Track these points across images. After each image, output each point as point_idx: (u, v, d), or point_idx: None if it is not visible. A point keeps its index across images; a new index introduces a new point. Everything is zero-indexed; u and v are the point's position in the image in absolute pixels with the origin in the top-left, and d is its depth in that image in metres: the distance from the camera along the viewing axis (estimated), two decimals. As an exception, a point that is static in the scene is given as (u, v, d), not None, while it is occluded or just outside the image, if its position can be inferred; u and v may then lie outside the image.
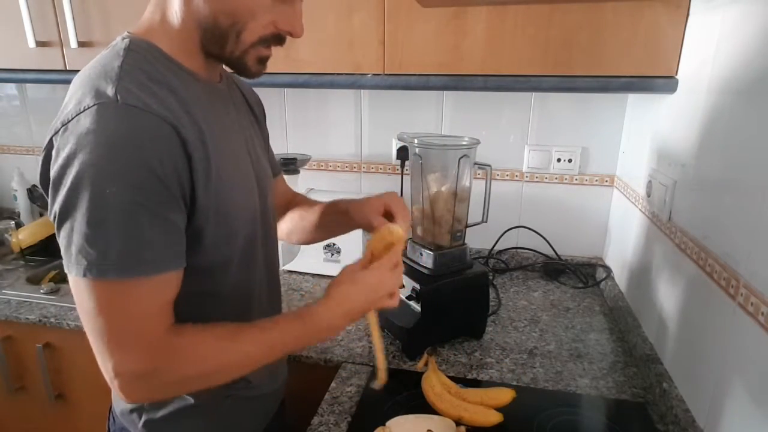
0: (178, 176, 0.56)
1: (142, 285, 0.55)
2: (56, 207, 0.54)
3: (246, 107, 0.80)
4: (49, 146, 0.55)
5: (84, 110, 0.53)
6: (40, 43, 1.27)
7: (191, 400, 0.70)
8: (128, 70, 0.56)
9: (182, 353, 0.59)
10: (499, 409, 0.82)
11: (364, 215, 0.79)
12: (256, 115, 0.83)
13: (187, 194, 0.58)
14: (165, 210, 0.56)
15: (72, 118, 0.54)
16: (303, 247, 1.41)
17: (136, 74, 0.57)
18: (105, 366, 0.57)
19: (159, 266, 0.56)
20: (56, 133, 0.54)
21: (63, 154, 0.53)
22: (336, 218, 0.87)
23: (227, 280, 0.69)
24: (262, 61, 0.66)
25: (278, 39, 0.65)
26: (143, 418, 0.71)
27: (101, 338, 0.55)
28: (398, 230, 0.72)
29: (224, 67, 0.69)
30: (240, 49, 0.62)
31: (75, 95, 0.56)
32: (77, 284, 0.54)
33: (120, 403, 0.73)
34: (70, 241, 0.53)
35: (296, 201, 0.96)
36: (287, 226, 0.94)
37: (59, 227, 0.54)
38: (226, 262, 0.68)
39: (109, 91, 0.54)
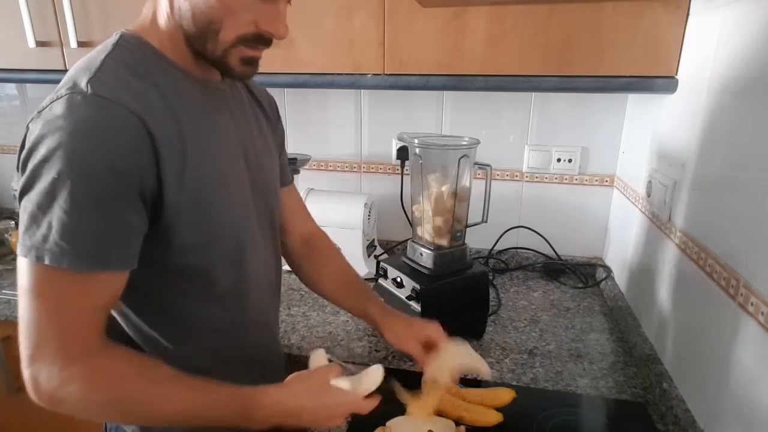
0: (140, 171, 0.55)
1: (76, 278, 0.54)
2: (19, 186, 0.55)
3: (255, 109, 0.79)
4: (25, 130, 0.56)
5: (57, 99, 0.54)
6: (40, 43, 1.27)
7: None
8: (110, 63, 0.57)
9: (99, 367, 0.57)
10: (499, 409, 0.82)
11: (399, 338, 0.79)
12: (270, 118, 0.82)
13: (150, 191, 0.57)
14: (117, 205, 0.55)
15: (45, 106, 0.55)
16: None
17: (117, 67, 0.57)
18: (22, 352, 0.58)
19: (96, 262, 0.55)
20: (32, 119, 0.55)
21: (31, 138, 0.54)
22: (356, 308, 0.87)
23: (215, 285, 0.68)
24: (248, 62, 0.63)
25: (262, 39, 0.62)
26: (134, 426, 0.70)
27: (26, 321, 0.56)
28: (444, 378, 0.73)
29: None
30: (220, 48, 0.60)
31: (59, 87, 0.57)
32: (19, 263, 0.55)
33: None
34: (21, 220, 0.55)
35: (316, 246, 0.94)
36: (302, 272, 0.94)
37: (21, 206, 0.55)
38: (210, 266, 0.66)
39: (83, 82, 0.54)
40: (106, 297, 0.58)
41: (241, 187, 0.70)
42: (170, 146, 0.58)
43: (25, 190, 0.54)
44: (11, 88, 1.76)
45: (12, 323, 1.21)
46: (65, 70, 1.27)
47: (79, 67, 0.58)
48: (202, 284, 0.67)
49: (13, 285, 1.36)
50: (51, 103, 0.55)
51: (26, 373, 0.57)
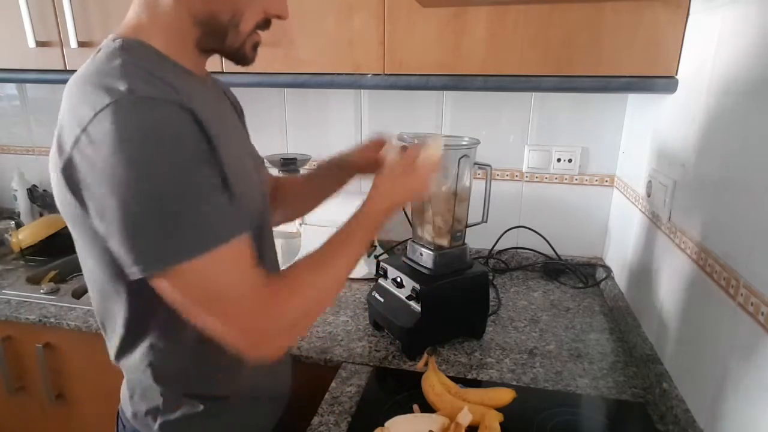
0: (209, 155, 0.57)
1: (224, 253, 0.55)
2: (108, 214, 0.52)
3: (229, 103, 0.80)
4: (69, 159, 0.53)
5: (101, 110, 0.52)
6: (40, 43, 1.27)
7: (205, 405, 0.70)
8: (130, 67, 0.56)
9: (284, 296, 0.61)
10: (499, 409, 0.82)
11: (363, 155, 0.88)
12: (238, 112, 0.84)
13: (220, 171, 0.59)
14: (214, 186, 0.57)
15: (90, 121, 0.52)
16: (302, 246, 1.41)
17: (138, 71, 0.56)
18: (228, 341, 0.58)
19: (231, 231, 0.57)
20: (77, 141, 0.52)
21: (97, 162, 0.51)
22: (330, 173, 0.93)
23: None
24: (256, 47, 0.68)
25: (267, 24, 0.67)
26: (159, 420, 0.70)
27: (211, 316, 0.57)
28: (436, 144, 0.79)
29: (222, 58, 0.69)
30: (240, 39, 0.64)
31: (83, 99, 0.54)
32: (171, 278, 0.54)
33: (130, 407, 0.72)
34: (139, 242, 0.53)
35: (280, 181, 0.98)
36: (282, 206, 0.95)
37: (117, 232, 0.53)
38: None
39: (121, 86, 0.53)
40: (250, 252, 0.60)
41: (251, 174, 0.72)
42: (211, 134, 0.59)
43: (123, 215, 0.52)
44: (11, 88, 1.76)
45: (12, 323, 1.21)
46: (65, 70, 1.29)
47: (95, 77, 0.55)
48: None
49: (12, 285, 1.36)
50: (95, 115, 0.52)
51: (246, 351, 0.59)
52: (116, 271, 0.58)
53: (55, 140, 0.56)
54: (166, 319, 0.64)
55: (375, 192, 0.73)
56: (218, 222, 0.56)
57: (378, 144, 0.89)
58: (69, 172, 0.54)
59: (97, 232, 0.56)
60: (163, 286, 0.55)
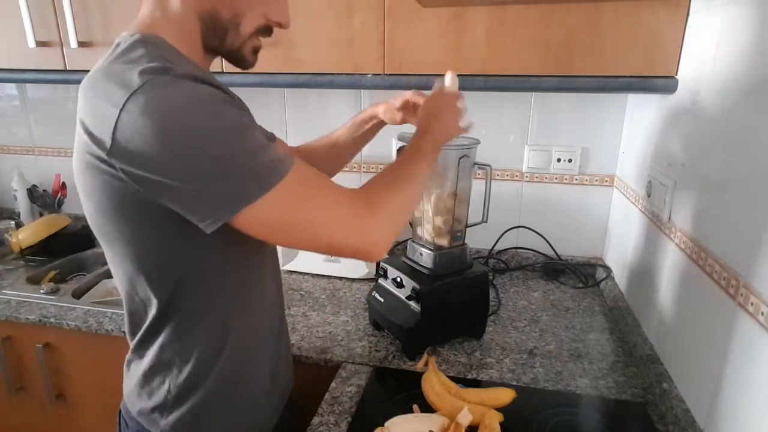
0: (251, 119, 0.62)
1: (299, 174, 0.59)
2: (172, 178, 0.53)
3: None
4: (114, 141, 0.53)
5: (139, 88, 0.52)
6: (40, 43, 1.27)
7: (209, 401, 0.71)
8: (154, 54, 0.57)
9: (376, 195, 0.65)
10: (499, 409, 0.82)
11: (389, 109, 0.97)
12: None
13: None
14: (266, 139, 0.60)
15: (127, 100, 0.51)
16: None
17: (159, 61, 0.56)
18: (344, 247, 0.62)
19: (291, 156, 0.60)
20: (118, 122, 0.52)
21: (147, 135, 0.51)
22: (354, 130, 1.01)
23: (254, 274, 0.73)
24: (256, 52, 0.69)
25: (268, 30, 0.68)
26: (165, 417, 0.70)
27: (316, 232, 0.60)
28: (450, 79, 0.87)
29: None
30: (239, 41, 0.66)
31: (113, 86, 0.53)
32: (275, 198, 0.56)
33: (136, 404, 0.72)
34: (219, 188, 0.54)
35: (302, 149, 1.02)
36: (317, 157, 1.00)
37: (188, 189, 0.54)
38: (258, 251, 0.72)
39: (153, 66, 0.54)
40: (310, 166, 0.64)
41: None
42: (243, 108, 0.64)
43: (201, 170, 0.53)
44: (11, 88, 1.76)
45: (12, 323, 1.21)
46: (65, 70, 1.29)
47: (120, 67, 0.55)
48: (250, 257, 0.72)
49: (12, 285, 1.36)
50: (133, 93, 0.52)
51: (355, 241, 0.63)
52: (154, 256, 0.62)
53: (83, 134, 0.56)
54: (181, 316, 0.66)
55: (426, 119, 0.80)
56: (282, 159, 0.58)
57: (400, 103, 0.95)
58: (118, 153, 0.53)
59: (150, 213, 0.57)
60: (251, 220, 0.57)
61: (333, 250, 0.63)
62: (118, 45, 0.61)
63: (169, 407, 0.70)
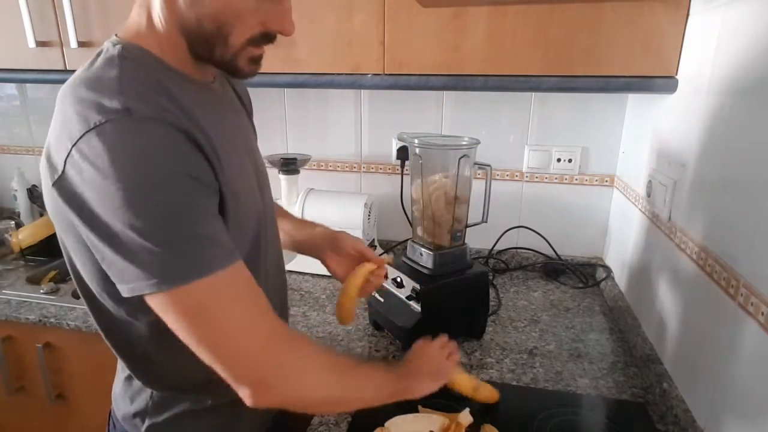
0: (206, 176, 0.56)
1: (232, 272, 0.55)
2: (98, 232, 0.51)
3: (240, 105, 0.79)
4: (63, 173, 0.52)
5: (94, 127, 0.51)
6: (40, 43, 1.27)
7: (193, 406, 0.70)
8: (127, 81, 0.55)
9: (292, 343, 0.61)
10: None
11: (337, 260, 0.91)
12: (249, 113, 0.83)
13: (216, 189, 0.58)
14: (212, 207, 0.56)
15: (81, 137, 0.51)
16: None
17: (135, 85, 0.55)
18: (228, 373, 0.56)
19: (229, 258, 0.55)
20: (69, 156, 0.51)
21: (88, 180, 0.50)
22: (302, 240, 0.94)
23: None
24: (255, 60, 0.64)
25: (268, 38, 0.63)
26: (147, 423, 0.70)
27: (212, 342, 0.54)
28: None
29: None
30: (230, 52, 0.60)
31: (76, 111, 0.53)
32: (172, 299, 0.52)
33: (121, 408, 0.73)
34: (132, 262, 0.51)
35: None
36: None
37: (108, 251, 0.52)
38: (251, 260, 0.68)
39: (116, 104, 0.52)
40: (253, 280, 0.59)
41: (252, 181, 0.71)
42: (208, 149, 0.58)
43: (114, 233, 0.51)
44: (11, 88, 1.76)
45: (12, 323, 1.21)
46: (65, 70, 1.29)
47: (91, 87, 0.54)
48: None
49: (12, 285, 1.36)
50: (87, 132, 0.51)
51: (245, 389, 0.56)
52: (105, 279, 0.57)
53: (45, 148, 0.55)
54: (152, 326, 0.63)
55: (406, 367, 0.76)
56: (214, 248, 0.54)
57: (357, 258, 0.89)
58: (62, 185, 0.53)
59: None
60: (156, 306, 0.54)
61: (217, 365, 0.56)
62: (100, 53, 0.59)
63: (150, 414, 0.70)
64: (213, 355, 0.55)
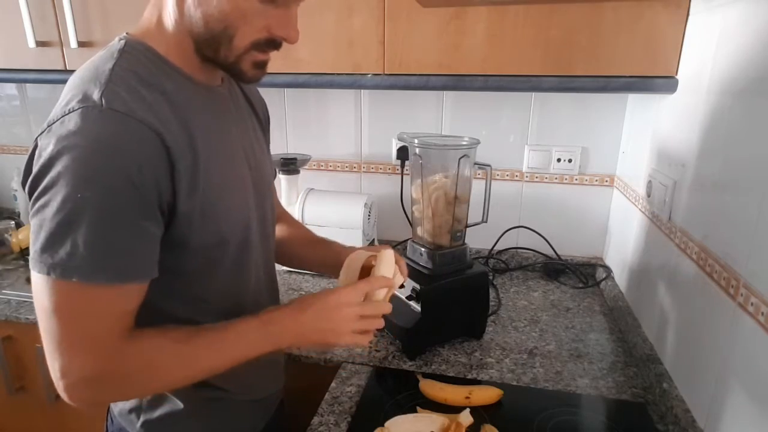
0: (157, 184, 0.56)
1: (103, 292, 0.55)
2: (32, 204, 0.54)
3: (249, 111, 0.79)
4: (34, 145, 0.55)
5: (69, 113, 0.54)
6: (40, 43, 1.27)
7: (187, 404, 0.70)
8: (119, 72, 0.56)
9: (132, 360, 0.58)
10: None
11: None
12: (261, 120, 0.83)
13: (166, 201, 0.58)
14: (139, 218, 0.55)
15: (57, 120, 0.54)
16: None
17: (127, 77, 0.56)
18: (52, 366, 0.56)
19: (125, 275, 0.55)
20: (41, 133, 0.55)
21: (44, 155, 0.53)
22: (321, 260, 0.88)
23: (216, 285, 0.68)
24: (259, 65, 0.64)
25: (273, 44, 0.63)
26: (141, 419, 0.71)
27: (53, 338, 0.55)
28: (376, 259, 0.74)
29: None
30: (234, 54, 0.61)
31: (65, 97, 0.56)
32: (38, 281, 0.54)
33: (118, 404, 0.74)
34: (38, 238, 0.53)
35: (284, 218, 0.96)
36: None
37: (33, 223, 0.54)
38: (214, 267, 0.67)
39: (96, 94, 0.54)
40: (133, 304, 0.59)
41: (245, 188, 0.71)
42: (184, 156, 0.58)
43: (40, 207, 0.53)
44: (11, 88, 1.76)
45: (12, 323, 1.21)
46: (65, 70, 1.29)
47: (87, 76, 0.57)
48: (203, 287, 0.67)
49: (12, 285, 1.36)
50: (62, 116, 0.54)
51: (61, 384, 0.56)
52: None
53: None
54: (140, 322, 0.63)
55: (295, 312, 0.66)
56: (116, 260, 0.54)
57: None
58: (31, 157, 0.55)
59: None
60: (34, 283, 0.55)
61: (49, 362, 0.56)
62: (110, 47, 0.61)
63: (145, 410, 0.70)
64: (52, 346, 0.55)
